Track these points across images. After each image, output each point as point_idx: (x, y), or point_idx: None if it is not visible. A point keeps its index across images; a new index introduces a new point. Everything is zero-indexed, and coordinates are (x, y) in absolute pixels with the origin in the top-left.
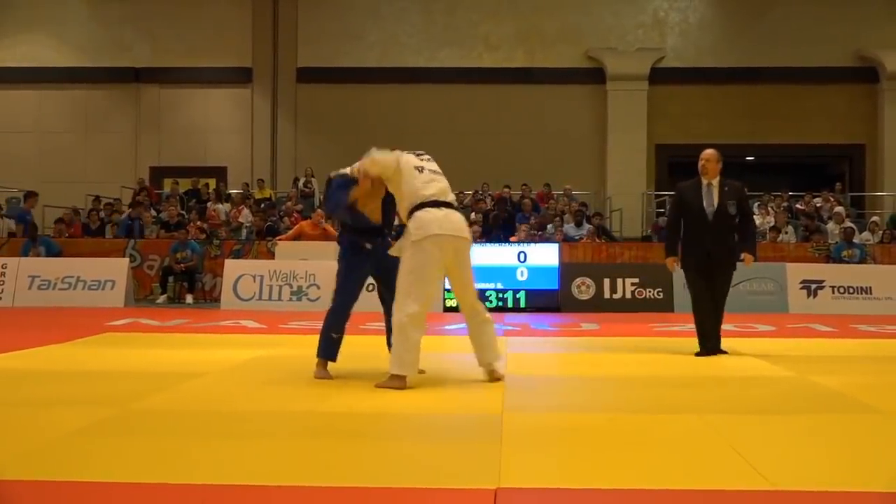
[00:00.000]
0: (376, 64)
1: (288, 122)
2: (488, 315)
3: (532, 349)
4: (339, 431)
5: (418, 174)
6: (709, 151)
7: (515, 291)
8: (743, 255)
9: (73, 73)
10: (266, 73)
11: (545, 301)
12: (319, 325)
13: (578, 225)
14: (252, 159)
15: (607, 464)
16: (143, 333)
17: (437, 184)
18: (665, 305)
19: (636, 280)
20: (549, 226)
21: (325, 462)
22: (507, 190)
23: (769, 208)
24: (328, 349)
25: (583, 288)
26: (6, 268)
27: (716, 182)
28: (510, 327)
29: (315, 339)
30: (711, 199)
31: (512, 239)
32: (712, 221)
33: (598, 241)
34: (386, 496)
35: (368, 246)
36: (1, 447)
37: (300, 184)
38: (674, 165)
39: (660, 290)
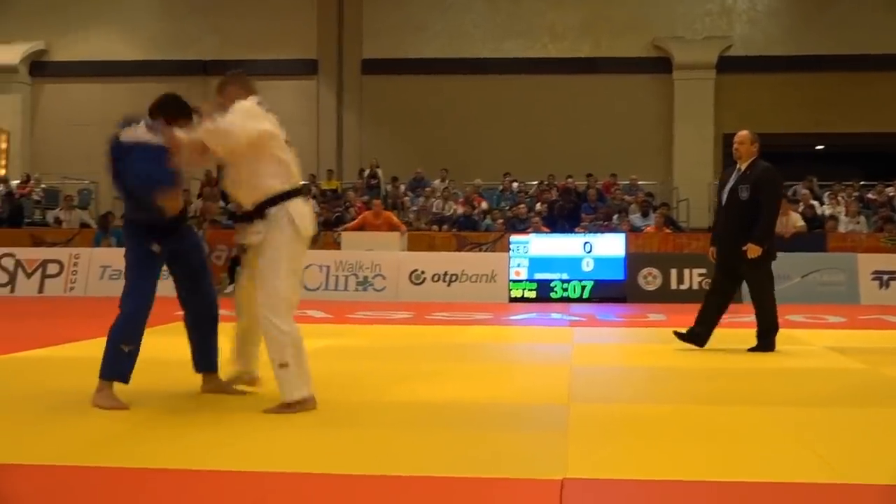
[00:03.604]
0: (440, 55)
1: (353, 114)
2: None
3: (598, 340)
4: (406, 421)
5: (287, 149)
6: (742, 133)
7: (581, 282)
8: (747, 246)
9: (142, 67)
10: (331, 64)
11: (611, 292)
12: (386, 315)
13: (644, 215)
14: (317, 151)
15: (674, 455)
16: None
17: (297, 166)
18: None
19: (703, 270)
20: (615, 216)
21: (392, 452)
22: (571, 180)
23: (839, 198)
24: (116, 366)
25: (649, 278)
26: (78, 258)
27: (745, 166)
28: (576, 318)
29: (380, 330)
30: (731, 183)
31: (577, 229)
32: (724, 207)
33: (664, 231)
34: (453, 485)
35: (156, 248)
36: (74, 436)
37: (366, 175)
38: None
39: None
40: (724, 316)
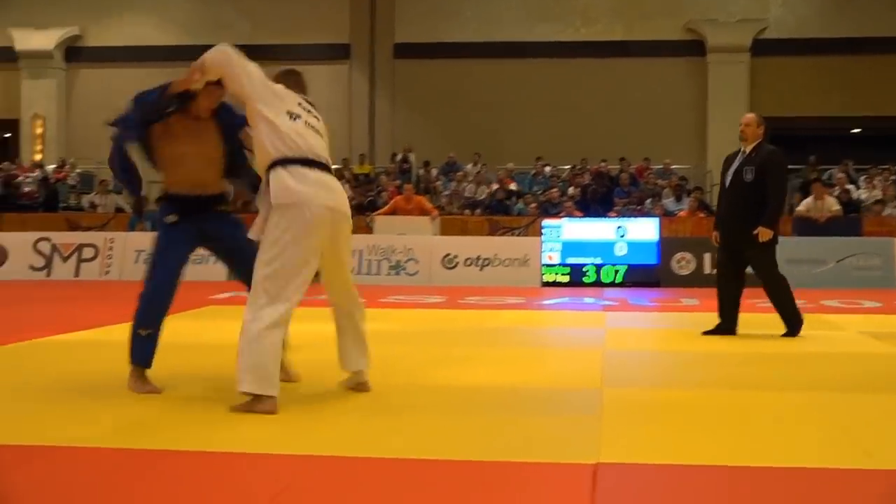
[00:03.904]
0: (473, 39)
1: (385, 98)
2: (363, 313)
3: (631, 324)
4: (438, 406)
5: (288, 120)
6: (748, 116)
7: (614, 266)
8: (758, 229)
9: (176, 52)
10: (364, 49)
11: (644, 276)
12: (418, 299)
13: (678, 199)
14: (350, 135)
15: (708, 440)
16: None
17: (312, 139)
18: None
19: None
20: (648, 200)
21: (424, 436)
22: (604, 164)
23: (875, 182)
24: (137, 351)
25: (682, 263)
26: (113, 242)
27: (750, 148)
28: (608, 302)
29: (412, 315)
30: (735, 165)
31: (610, 214)
32: (727, 189)
33: (698, 215)
34: (485, 470)
35: (172, 218)
36: (103, 419)
37: (398, 159)
38: (776, 139)
39: None
40: (742, 300)
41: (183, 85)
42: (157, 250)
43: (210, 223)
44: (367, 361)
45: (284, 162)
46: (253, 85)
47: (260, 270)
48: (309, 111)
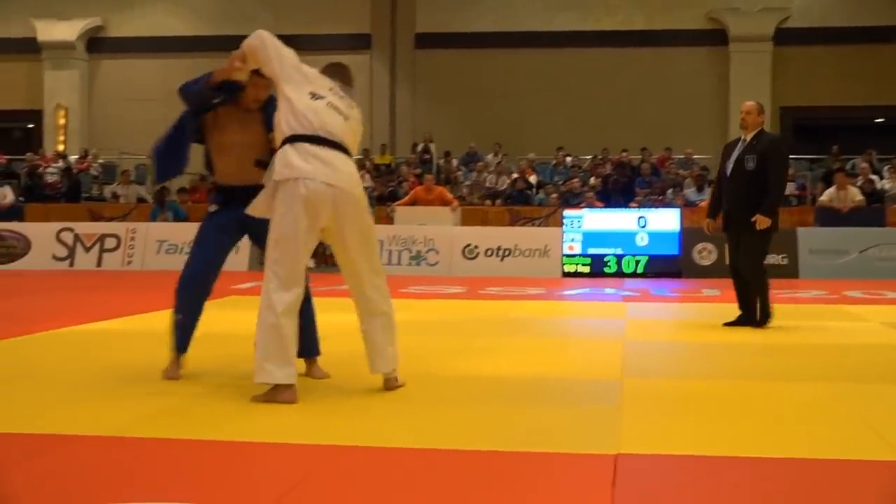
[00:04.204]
0: (494, 29)
1: (406, 89)
2: (387, 307)
3: (652, 315)
4: (459, 396)
5: (309, 100)
6: (748, 104)
7: (635, 257)
8: (755, 217)
9: (198, 42)
10: (384, 39)
11: (666, 267)
12: (439, 289)
13: (700, 189)
14: (371, 125)
15: (729, 431)
16: None
17: (330, 118)
18: (789, 271)
19: None
20: (670, 190)
21: (444, 426)
22: (625, 154)
23: None
24: (174, 337)
25: (704, 253)
26: (135, 233)
27: (751, 136)
28: (629, 293)
29: (433, 305)
30: (736, 153)
31: (631, 204)
32: (729, 178)
33: None
34: (506, 460)
35: (213, 207)
36: (135, 407)
37: (419, 149)
38: (800, 129)
39: (784, 255)
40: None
41: (224, 74)
42: (196, 239)
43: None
44: (385, 363)
45: (293, 139)
46: (283, 66)
47: (268, 252)
48: (341, 97)
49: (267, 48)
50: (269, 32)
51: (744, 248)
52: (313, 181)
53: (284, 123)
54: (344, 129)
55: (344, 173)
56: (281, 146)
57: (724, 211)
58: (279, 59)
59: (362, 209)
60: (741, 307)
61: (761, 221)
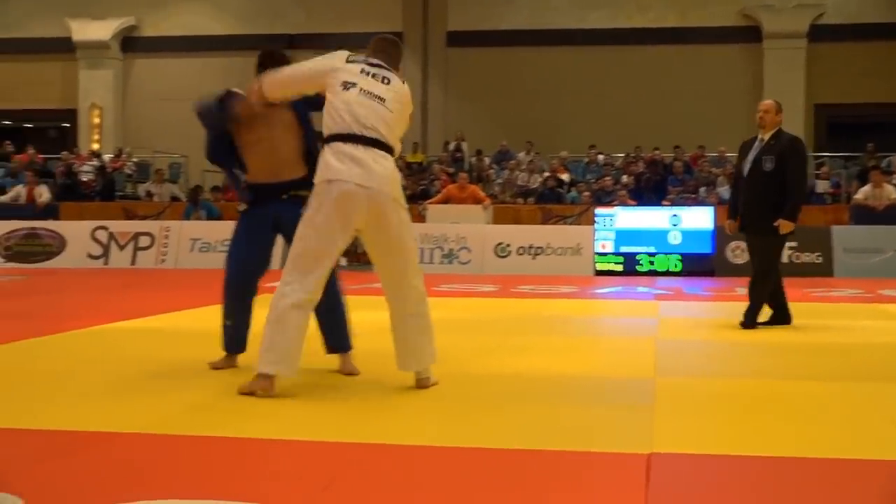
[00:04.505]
0: (526, 26)
1: (438, 87)
2: (424, 308)
3: (684, 314)
4: (491, 394)
5: (342, 91)
6: (767, 102)
7: (668, 255)
8: (779, 221)
9: (230, 41)
10: (416, 37)
11: (699, 265)
12: (471, 287)
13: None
14: None
15: (762, 431)
16: None
17: (363, 109)
18: (824, 269)
19: (793, 244)
20: (703, 189)
21: (477, 424)
22: (658, 152)
23: None
24: (226, 339)
25: (738, 252)
26: (169, 231)
27: (768, 136)
28: (662, 291)
29: (465, 303)
30: (754, 153)
31: (664, 202)
32: (746, 178)
33: None
34: (538, 459)
35: (242, 207)
36: (169, 404)
37: (450, 148)
38: (834, 126)
39: (819, 253)
40: (784, 289)
41: (246, 109)
42: (231, 240)
43: (285, 208)
44: (417, 361)
45: (330, 139)
46: (316, 78)
47: (293, 247)
48: (374, 75)
49: (296, 80)
50: (274, 71)
51: (759, 246)
52: (347, 183)
53: (324, 125)
54: (381, 116)
55: (377, 173)
56: (322, 147)
57: (741, 212)
58: (306, 79)
59: (399, 207)
60: (773, 306)
61: (784, 226)
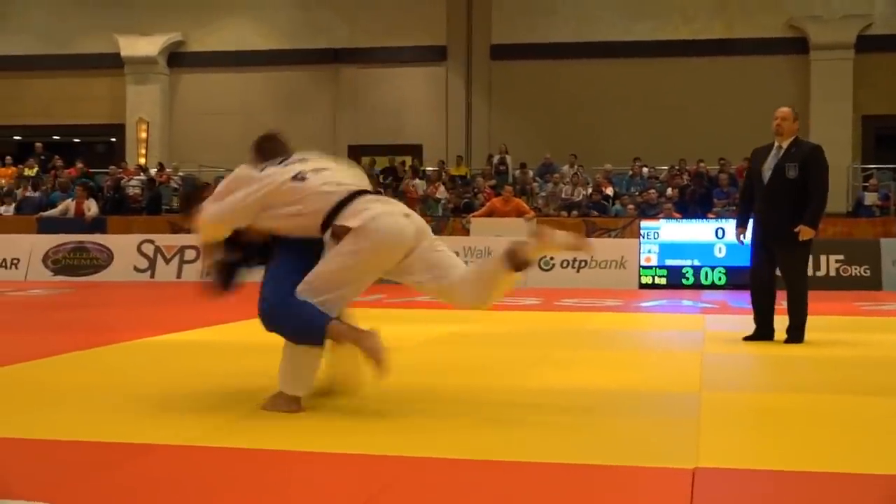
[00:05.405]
0: (570, 39)
1: (482, 100)
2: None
3: (730, 327)
4: (535, 408)
5: (302, 182)
6: (783, 109)
7: (713, 268)
8: (799, 227)
9: (275, 56)
10: (460, 51)
11: (745, 278)
12: (514, 300)
13: None
14: (447, 137)
15: (808, 445)
16: None
17: (336, 175)
18: (872, 283)
19: (841, 257)
20: None
21: (521, 437)
22: (703, 165)
23: None
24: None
25: None
26: None
27: (787, 144)
28: (707, 305)
29: (509, 316)
30: (773, 161)
31: (709, 215)
32: (766, 186)
33: None
34: (582, 473)
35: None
36: (215, 419)
37: (494, 161)
38: (882, 137)
39: (866, 267)
40: (779, 301)
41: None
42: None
43: None
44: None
45: (339, 206)
46: (249, 194)
47: (312, 276)
48: (305, 160)
49: (231, 212)
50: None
51: (788, 261)
52: (392, 215)
53: (313, 212)
54: (349, 174)
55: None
56: (326, 224)
57: (759, 220)
58: (245, 206)
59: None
60: (759, 321)
61: (805, 232)
